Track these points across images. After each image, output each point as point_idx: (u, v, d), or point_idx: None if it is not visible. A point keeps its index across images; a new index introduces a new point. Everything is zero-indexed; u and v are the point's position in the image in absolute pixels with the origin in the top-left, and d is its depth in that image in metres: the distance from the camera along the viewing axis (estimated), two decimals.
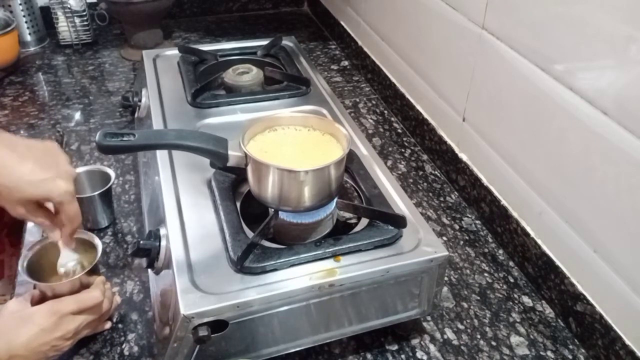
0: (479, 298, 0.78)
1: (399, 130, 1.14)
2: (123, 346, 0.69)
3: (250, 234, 0.65)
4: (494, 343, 0.72)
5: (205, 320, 0.57)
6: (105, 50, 1.42)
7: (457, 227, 0.90)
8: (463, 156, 0.95)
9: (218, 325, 0.58)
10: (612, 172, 0.64)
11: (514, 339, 0.72)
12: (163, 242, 0.65)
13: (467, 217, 0.92)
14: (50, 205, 0.62)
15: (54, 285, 0.63)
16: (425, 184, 0.99)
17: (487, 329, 0.74)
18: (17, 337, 0.57)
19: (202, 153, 0.63)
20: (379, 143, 1.10)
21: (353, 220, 0.73)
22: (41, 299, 0.63)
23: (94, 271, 0.67)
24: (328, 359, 0.69)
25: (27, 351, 0.57)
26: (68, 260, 0.65)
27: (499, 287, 0.80)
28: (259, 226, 0.64)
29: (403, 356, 0.70)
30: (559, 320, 0.75)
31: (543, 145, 0.75)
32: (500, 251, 0.86)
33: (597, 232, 0.68)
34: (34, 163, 0.57)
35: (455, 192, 0.98)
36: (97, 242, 0.68)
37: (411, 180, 1.00)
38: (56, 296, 0.62)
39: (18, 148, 0.58)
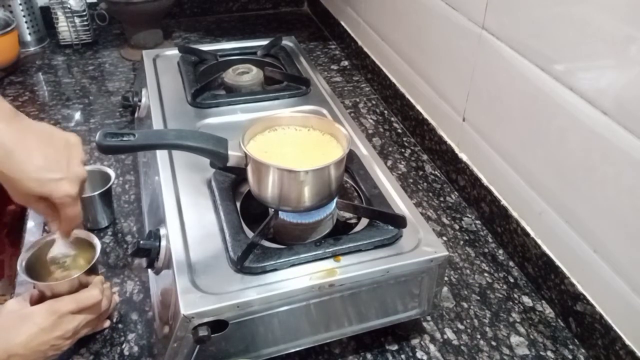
0: (479, 298, 0.78)
1: (399, 130, 1.14)
2: (123, 346, 0.69)
3: (250, 234, 0.65)
4: (494, 343, 0.72)
5: (205, 320, 0.57)
6: (105, 50, 1.42)
7: (457, 227, 0.90)
8: (463, 156, 0.95)
9: (218, 325, 0.58)
10: (612, 172, 0.64)
11: (514, 339, 0.72)
12: (163, 242, 0.65)
13: (467, 217, 0.92)
14: None
15: (53, 285, 0.63)
16: (425, 184, 0.99)
17: (487, 329, 0.74)
18: (16, 336, 0.57)
19: (202, 153, 0.63)
20: (379, 143, 1.10)
21: (353, 220, 0.73)
22: (40, 299, 0.63)
23: (92, 271, 0.67)
24: (328, 359, 0.69)
25: (26, 350, 0.57)
26: (60, 251, 0.65)
27: (499, 287, 0.80)
28: (259, 226, 0.64)
29: (403, 356, 0.70)
30: (559, 320, 0.75)
31: (543, 145, 0.75)
32: (500, 251, 0.86)
33: (597, 232, 0.68)
34: (44, 159, 0.55)
35: (455, 192, 0.98)
36: (96, 241, 0.68)
37: (411, 180, 1.00)
38: (55, 296, 0.62)
39: (33, 138, 0.56)
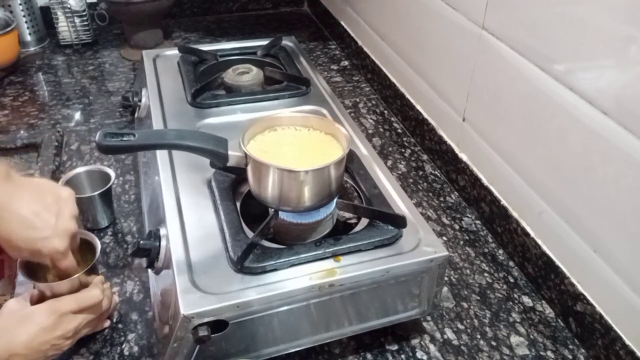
0: (479, 298, 0.78)
1: (399, 130, 1.14)
2: (123, 346, 0.69)
3: (250, 234, 0.65)
4: (494, 343, 0.72)
5: (205, 320, 0.57)
6: (105, 50, 1.42)
7: (457, 227, 0.90)
8: (463, 156, 0.95)
9: (218, 325, 0.58)
10: (612, 172, 0.64)
11: (514, 339, 0.72)
12: (163, 242, 0.65)
13: (467, 217, 0.92)
14: None
15: (53, 285, 0.63)
16: (425, 184, 0.99)
17: (487, 329, 0.74)
18: (16, 336, 0.57)
19: (202, 153, 0.63)
20: (379, 143, 1.10)
21: (353, 220, 0.73)
22: (41, 298, 0.63)
23: (92, 270, 0.67)
24: (328, 359, 0.69)
25: (26, 350, 0.57)
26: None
27: (499, 287, 0.80)
28: (259, 226, 0.64)
29: (403, 356, 0.70)
30: (559, 320, 0.75)
31: (543, 145, 0.75)
32: (500, 251, 0.86)
33: (597, 232, 0.68)
34: (33, 217, 0.56)
35: (455, 192, 0.98)
36: (96, 241, 0.68)
37: (411, 180, 1.00)
38: (55, 295, 0.62)
39: (24, 196, 0.57)
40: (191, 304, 0.57)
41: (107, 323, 0.70)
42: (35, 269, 0.65)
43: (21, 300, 0.62)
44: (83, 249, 0.68)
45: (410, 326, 0.73)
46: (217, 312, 0.57)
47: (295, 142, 0.70)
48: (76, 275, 0.64)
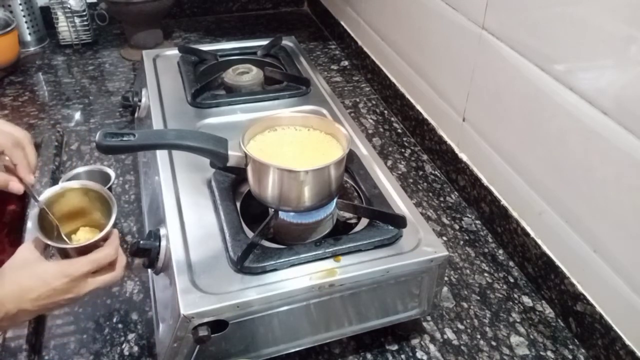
0: (479, 298, 0.78)
1: (399, 130, 1.14)
2: (123, 346, 0.69)
3: (250, 234, 0.65)
4: (494, 343, 0.72)
5: (205, 320, 0.57)
6: (105, 50, 1.42)
7: (457, 227, 0.90)
8: (463, 156, 0.95)
9: (218, 325, 0.58)
10: (612, 172, 0.64)
11: (514, 339, 0.72)
12: (163, 242, 0.65)
13: (467, 217, 0.92)
14: None
15: (68, 249, 0.59)
16: (425, 184, 0.99)
17: (487, 329, 0.74)
18: (27, 293, 0.54)
19: (202, 153, 0.63)
20: (379, 143, 1.10)
21: (353, 220, 0.73)
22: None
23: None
24: (328, 359, 0.69)
25: (35, 307, 0.55)
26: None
27: (499, 287, 0.80)
28: (259, 226, 0.64)
29: (403, 356, 0.70)
30: (559, 320, 0.75)
31: (543, 145, 0.75)
32: (500, 251, 0.86)
33: (597, 232, 0.68)
34: None
35: (455, 192, 0.98)
36: (111, 197, 0.63)
37: (411, 180, 1.00)
38: (69, 256, 0.58)
39: None
40: (191, 304, 0.57)
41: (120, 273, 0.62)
42: (45, 223, 0.60)
43: (35, 252, 0.58)
44: (98, 203, 0.63)
45: (410, 326, 0.73)
46: (217, 312, 0.57)
47: (295, 142, 0.70)
48: (94, 240, 0.59)
